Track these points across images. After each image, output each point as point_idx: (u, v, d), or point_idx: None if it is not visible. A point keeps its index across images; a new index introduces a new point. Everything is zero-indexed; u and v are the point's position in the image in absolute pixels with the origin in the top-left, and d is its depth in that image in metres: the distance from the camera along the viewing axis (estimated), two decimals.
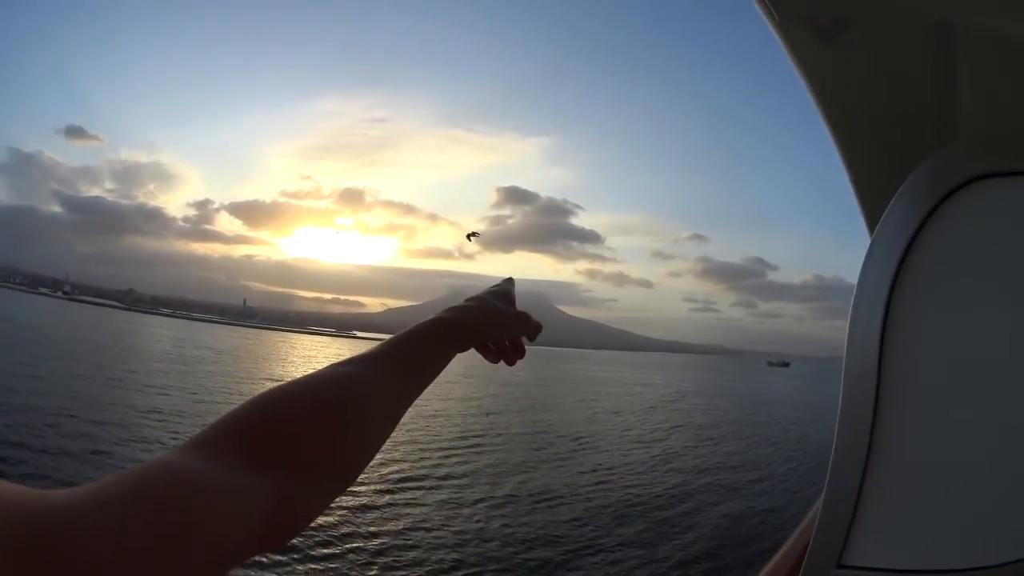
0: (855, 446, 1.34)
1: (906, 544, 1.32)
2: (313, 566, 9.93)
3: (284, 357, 71.02)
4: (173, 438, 17.47)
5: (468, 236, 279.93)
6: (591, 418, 33.32)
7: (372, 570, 10.45)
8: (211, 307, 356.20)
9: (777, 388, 75.32)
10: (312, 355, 79.27)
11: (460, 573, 10.52)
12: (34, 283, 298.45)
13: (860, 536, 1.33)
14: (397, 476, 16.21)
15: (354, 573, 10.19)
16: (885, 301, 1.33)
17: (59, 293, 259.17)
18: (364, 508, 13.27)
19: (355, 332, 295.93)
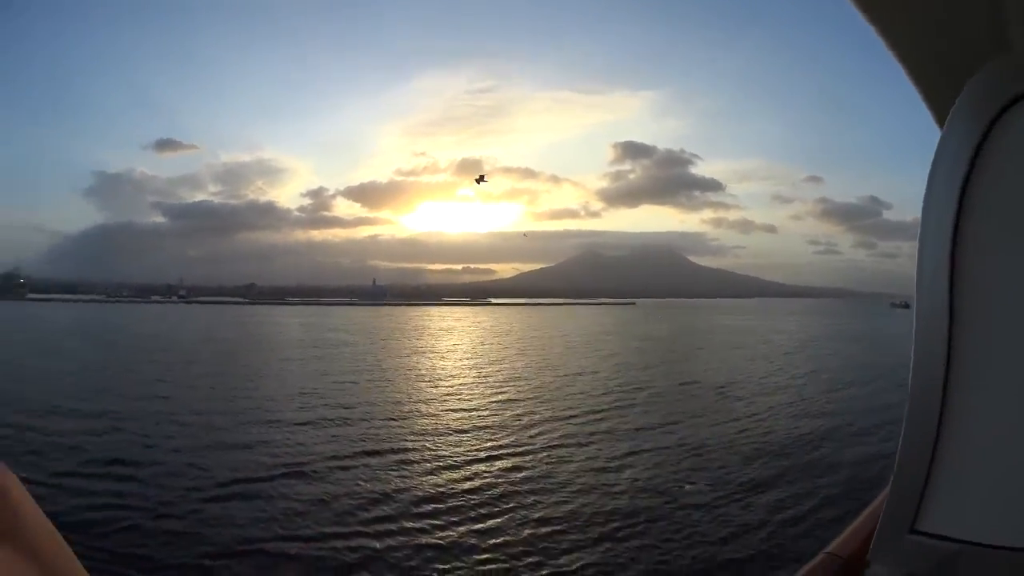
0: (927, 405, 1.26)
1: (980, 516, 1.20)
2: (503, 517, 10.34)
3: (423, 329, 71.79)
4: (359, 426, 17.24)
5: (477, 180, 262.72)
6: (732, 367, 33.37)
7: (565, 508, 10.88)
8: (340, 291, 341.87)
9: (905, 330, 72.24)
10: (453, 325, 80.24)
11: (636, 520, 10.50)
12: (144, 292, 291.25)
13: (933, 504, 1.25)
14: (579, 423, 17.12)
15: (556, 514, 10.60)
16: (951, 234, 1.23)
17: (173, 298, 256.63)
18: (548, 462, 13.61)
19: (490, 299, 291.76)
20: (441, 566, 8.60)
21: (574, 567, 8.65)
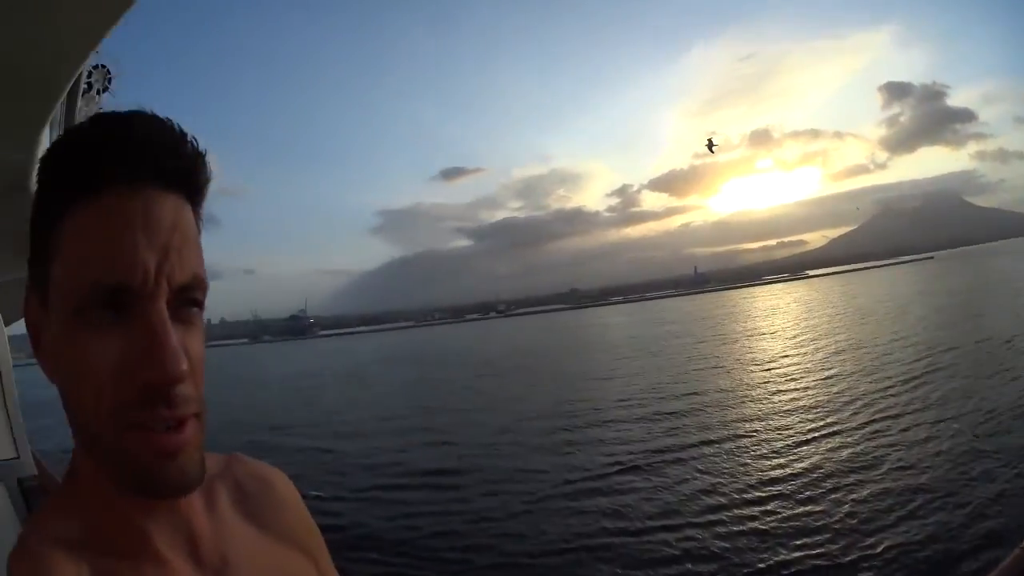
0: None
1: None
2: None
3: (746, 312, 71.05)
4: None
5: (708, 146, 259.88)
6: None
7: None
8: (663, 283, 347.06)
9: None
10: (774, 304, 78.15)
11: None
12: (458, 313, 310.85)
13: None
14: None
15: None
16: None
17: (492, 313, 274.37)
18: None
19: (807, 272, 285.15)
20: (763, 555, 8.38)
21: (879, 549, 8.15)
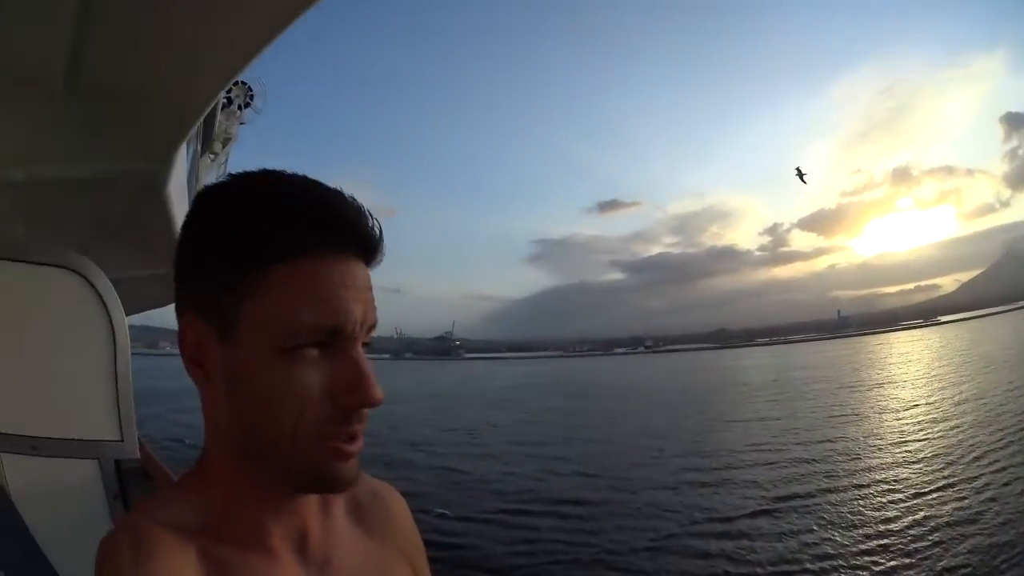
0: None
1: None
2: None
3: (881, 358, 69.80)
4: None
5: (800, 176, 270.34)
6: None
7: None
8: (806, 326, 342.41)
9: None
10: (907, 351, 78.05)
11: None
12: (606, 347, 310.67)
13: None
14: None
15: None
16: None
17: (640, 348, 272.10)
18: None
19: (938, 318, 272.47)
20: None
21: None
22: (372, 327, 0.71)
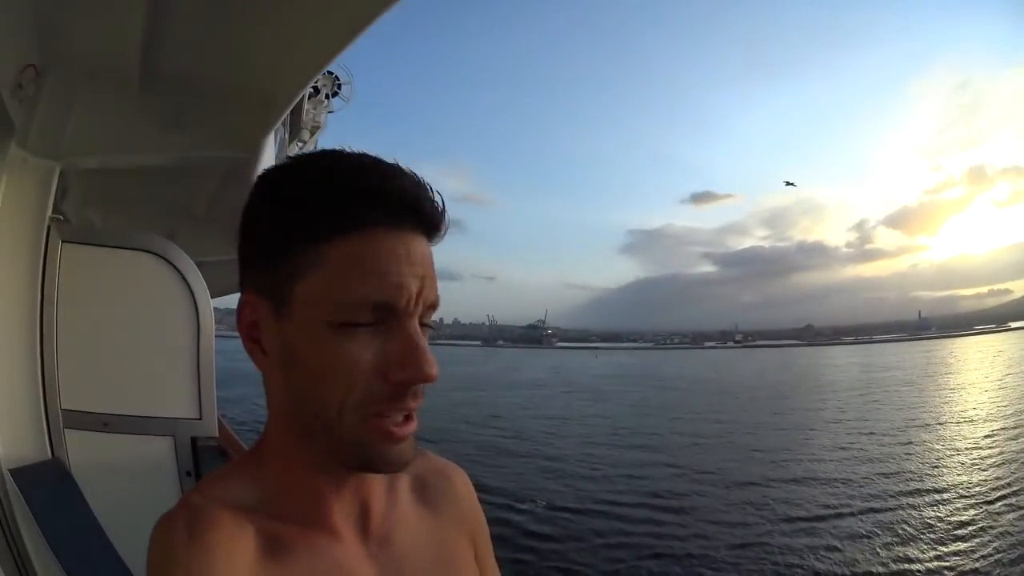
0: None
1: None
2: None
3: (955, 363, 68.31)
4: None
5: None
6: None
7: None
8: (889, 327, 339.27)
9: None
10: (981, 356, 75.67)
11: None
12: (698, 339, 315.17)
13: None
14: None
15: None
16: None
17: (730, 343, 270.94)
18: None
19: (1010, 323, 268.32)
20: None
21: None
22: (432, 307, 0.69)
